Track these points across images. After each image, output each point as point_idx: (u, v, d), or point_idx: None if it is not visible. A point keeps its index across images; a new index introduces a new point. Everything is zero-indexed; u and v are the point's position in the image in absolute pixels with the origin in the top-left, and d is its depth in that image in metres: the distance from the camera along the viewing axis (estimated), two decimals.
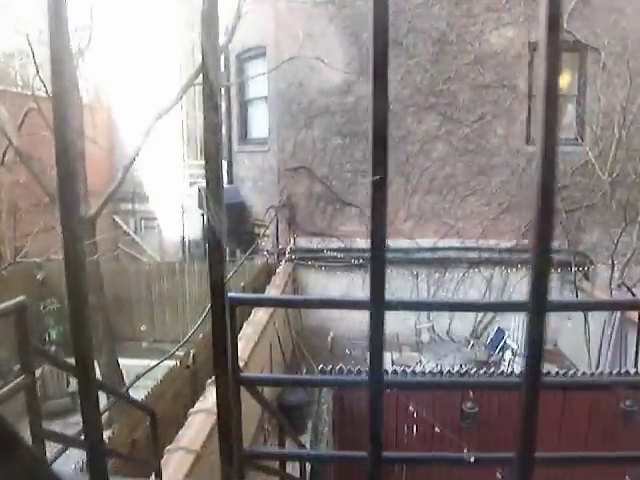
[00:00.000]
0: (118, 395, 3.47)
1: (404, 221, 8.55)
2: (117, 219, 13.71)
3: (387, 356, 7.82)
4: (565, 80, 8.57)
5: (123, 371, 6.92)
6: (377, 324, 0.76)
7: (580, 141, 8.30)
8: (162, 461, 3.00)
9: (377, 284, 0.73)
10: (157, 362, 4.58)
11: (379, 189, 0.66)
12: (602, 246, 8.37)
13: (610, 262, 7.94)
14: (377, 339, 0.76)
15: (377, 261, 0.72)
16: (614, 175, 8.12)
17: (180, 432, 3.38)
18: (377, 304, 0.75)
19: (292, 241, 8.66)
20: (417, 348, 8.35)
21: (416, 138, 8.33)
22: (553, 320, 8.63)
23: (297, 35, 8.07)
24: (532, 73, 8.12)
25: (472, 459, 1.89)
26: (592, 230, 8.46)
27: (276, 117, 8.76)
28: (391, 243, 8.57)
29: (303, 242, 8.69)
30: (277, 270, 8.06)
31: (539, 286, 0.63)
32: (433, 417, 4.58)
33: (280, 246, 8.69)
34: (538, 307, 0.68)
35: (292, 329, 7.84)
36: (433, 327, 8.68)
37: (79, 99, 6.88)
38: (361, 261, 8.52)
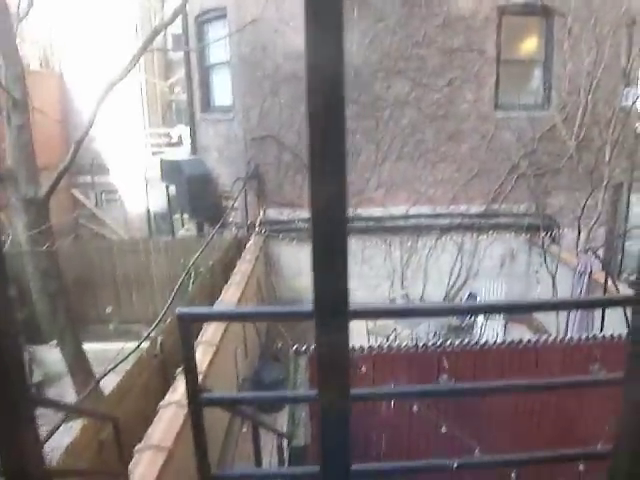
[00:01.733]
0: (67, 409, 3.26)
1: (375, 189, 8.45)
2: (76, 193, 13.17)
3: (362, 325, 7.84)
4: (532, 45, 8.46)
5: (92, 357, 6.70)
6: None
7: (547, 106, 8.29)
8: (131, 464, 2.86)
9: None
10: (124, 358, 4.39)
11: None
12: (569, 210, 8.49)
13: (576, 225, 8.08)
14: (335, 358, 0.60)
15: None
16: (580, 140, 8.17)
17: (150, 429, 3.25)
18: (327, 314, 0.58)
19: (262, 213, 8.46)
20: None
21: (385, 104, 8.13)
22: (523, 285, 8.79)
23: None
24: (500, 37, 7.97)
25: (455, 465, 1.83)
26: (559, 194, 8.55)
27: (240, 84, 8.39)
28: (363, 212, 8.49)
29: (273, 213, 8.50)
30: (247, 244, 7.88)
31: None
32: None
33: (249, 218, 8.49)
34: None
35: (266, 303, 7.74)
36: (407, 294, 8.73)
37: (21, 64, 6.36)
38: None
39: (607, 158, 7.77)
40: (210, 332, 4.88)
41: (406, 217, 8.55)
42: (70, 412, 3.31)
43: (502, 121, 8.27)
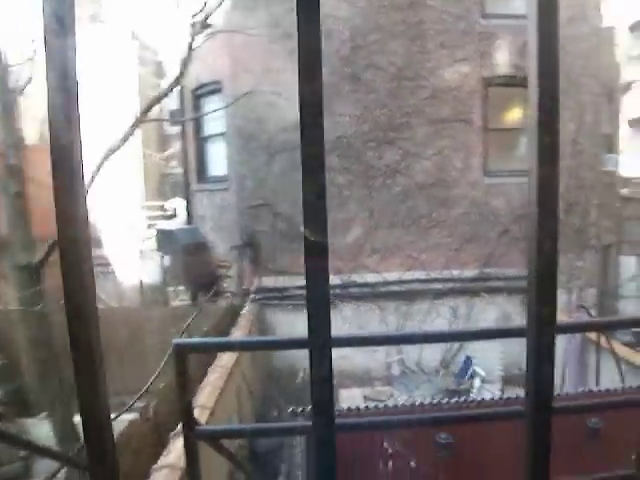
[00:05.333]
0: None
1: (369, 256, 8.51)
2: None
3: (358, 392, 7.64)
4: (517, 113, 8.88)
5: (78, 427, 6.39)
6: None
7: None
8: None
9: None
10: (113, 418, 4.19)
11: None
12: (560, 271, 8.55)
13: (568, 286, 8.14)
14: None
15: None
16: (567, 203, 8.41)
17: None
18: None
19: (256, 281, 8.42)
20: (388, 382, 8.20)
21: (378, 173, 8.37)
22: (518, 347, 8.67)
23: (254, 70, 8.04)
24: (487, 107, 8.38)
25: None
26: None
27: (235, 154, 8.63)
28: (357, 278, 8.49)
29: (268, 281, 8.47)
30: (242, 312, 7.78)
31: None
32: (408, 452, 4.40)
33: (244, 286, 8.44)
34: None
35: (261, 371, 7.54)
36: (403, 359, 8.57)
37: (19, 132, 6.56)
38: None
39: (593, 220, 7.97)
40: (204, 396, 4.73)
41: (400, 282, 8.56)
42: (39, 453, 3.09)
43: (491, 187, 8.52)
